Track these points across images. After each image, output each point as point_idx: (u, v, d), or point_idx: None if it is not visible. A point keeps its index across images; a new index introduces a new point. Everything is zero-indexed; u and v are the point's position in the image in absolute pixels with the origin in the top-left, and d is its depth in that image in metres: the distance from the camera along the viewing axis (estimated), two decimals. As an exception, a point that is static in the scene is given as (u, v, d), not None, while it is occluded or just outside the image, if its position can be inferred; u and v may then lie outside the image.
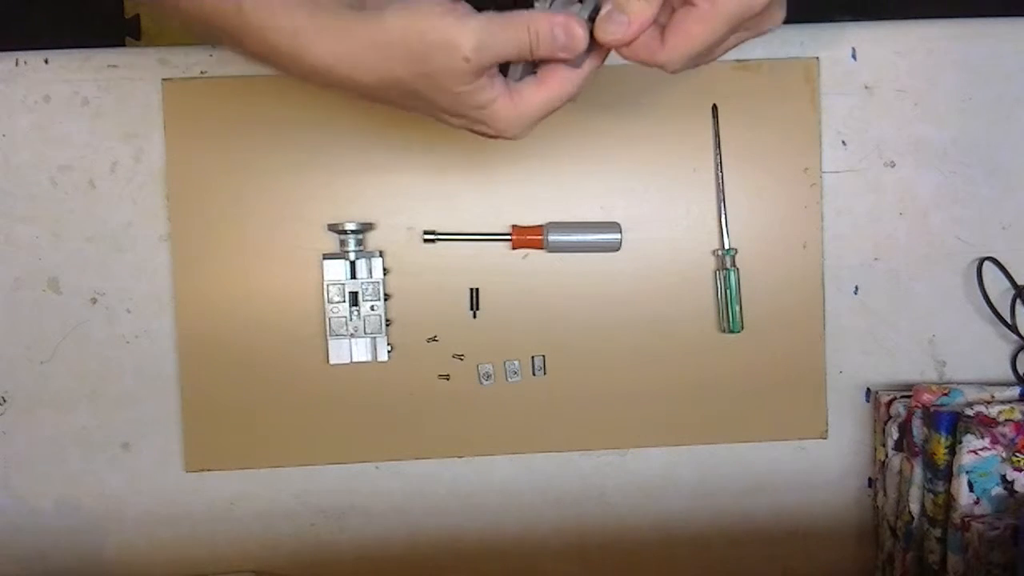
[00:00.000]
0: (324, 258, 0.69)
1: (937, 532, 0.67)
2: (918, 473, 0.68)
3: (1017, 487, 0.65)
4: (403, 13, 0.42)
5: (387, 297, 0.70)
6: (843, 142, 0.72)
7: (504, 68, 0.46)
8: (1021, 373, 0.73)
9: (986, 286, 0.71)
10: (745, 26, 0.46)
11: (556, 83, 0.46)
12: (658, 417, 0.72)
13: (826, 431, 0.73)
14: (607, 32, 0.44)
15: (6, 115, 0.69)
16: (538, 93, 0.46)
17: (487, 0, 0.46)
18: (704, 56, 0.47)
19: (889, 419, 0.70)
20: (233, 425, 0.70)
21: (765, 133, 0.71)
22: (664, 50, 0.45)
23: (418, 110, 0.47)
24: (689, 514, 0.74)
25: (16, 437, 0.71)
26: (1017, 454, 0.65)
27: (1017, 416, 0.65)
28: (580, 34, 0.44)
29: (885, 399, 0.71)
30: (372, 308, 0.69)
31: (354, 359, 0.69)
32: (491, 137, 0.47)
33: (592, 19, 0.45)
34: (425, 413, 0.71)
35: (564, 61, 0.45)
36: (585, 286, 0.71)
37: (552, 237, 0.69)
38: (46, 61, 0.69)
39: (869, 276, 0.73)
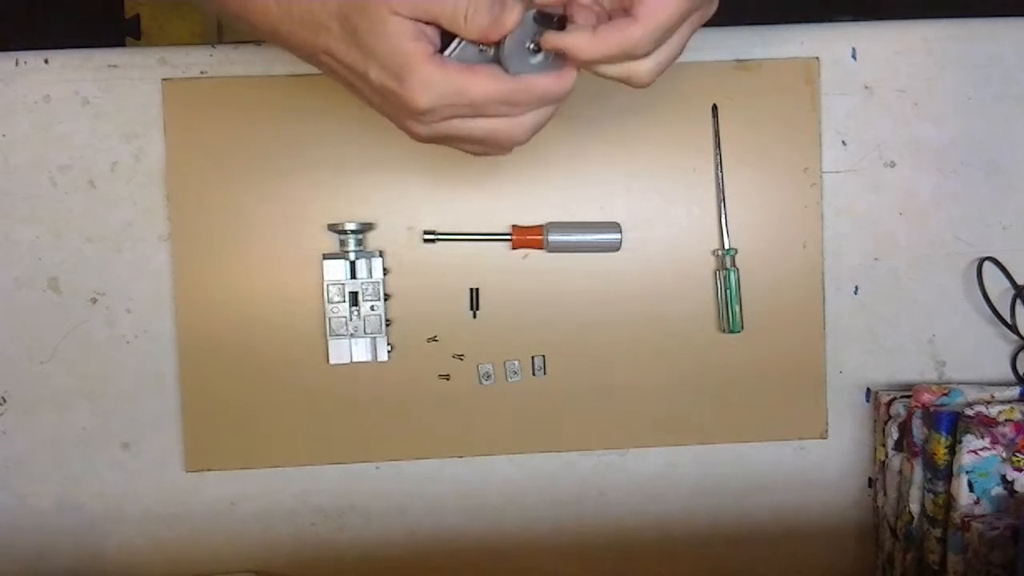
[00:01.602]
0: (324, 258, 0.69)
1: (937, 532, 0.67)
2: (918, 473, 0.68)
3: (1017, 487, 0.65)
4: None
5: (387, 297, 0.70)
6: (843, 142, 0.72)
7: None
8: (1021, 373, 0.73)
9: (986, 286, 0.71)
10: (699, 5, 0.45)
11: (482, 74, 0.43)
12: (658, 417, 0.72)
13: (826, 431, 0.73)
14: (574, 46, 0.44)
15: (6, 115, 0.69)
16: (461, 73, 0.43)
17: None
18: (668, 46, 0.45)
19: (889, 419, 0.70)
20: (233, 425, 0.70)
21: (765, 133, 0.71)
22: (635, 24, 0.43)
23: (339, 72, 0.45)
24: (689, 514, 0.74)
25: (16, 437, 0.71)
26: (1017, 454, 0.65)
27: (1017, 416, 0.65)
28: (509, 20, 0.43)
29: (885, 399, 0.71)
30: (372, 308, 0.69)
31: (354, 359, 0.69)
32: (402, 118, 0.44)
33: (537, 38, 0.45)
34: (425, 413, 0.71)
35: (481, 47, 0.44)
36: (585, 286, 0.71)
37: (552, 237, 0.69)
38: (46, 61, 0.69)
39: (869, 276, 0.73)
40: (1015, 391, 0.69)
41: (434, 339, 0.71)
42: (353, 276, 0.69)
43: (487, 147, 0.47)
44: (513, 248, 0.70)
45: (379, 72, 0.43)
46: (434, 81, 0.42)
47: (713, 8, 0.48)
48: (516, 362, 0.71)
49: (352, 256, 0.69)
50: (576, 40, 0.44)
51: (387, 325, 0.70)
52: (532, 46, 0.45)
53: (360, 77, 0.44)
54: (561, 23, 0.44)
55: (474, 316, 0.71)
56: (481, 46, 0.44)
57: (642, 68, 0.46)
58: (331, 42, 0.44)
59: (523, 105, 0.44)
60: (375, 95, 0.45)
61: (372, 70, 0.43)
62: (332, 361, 0.69)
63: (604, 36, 0.44)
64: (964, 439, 0.64)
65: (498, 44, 0.44)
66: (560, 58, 0.45)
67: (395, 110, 0.45)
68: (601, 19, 0.45)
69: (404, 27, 0.42)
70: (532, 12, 0.44)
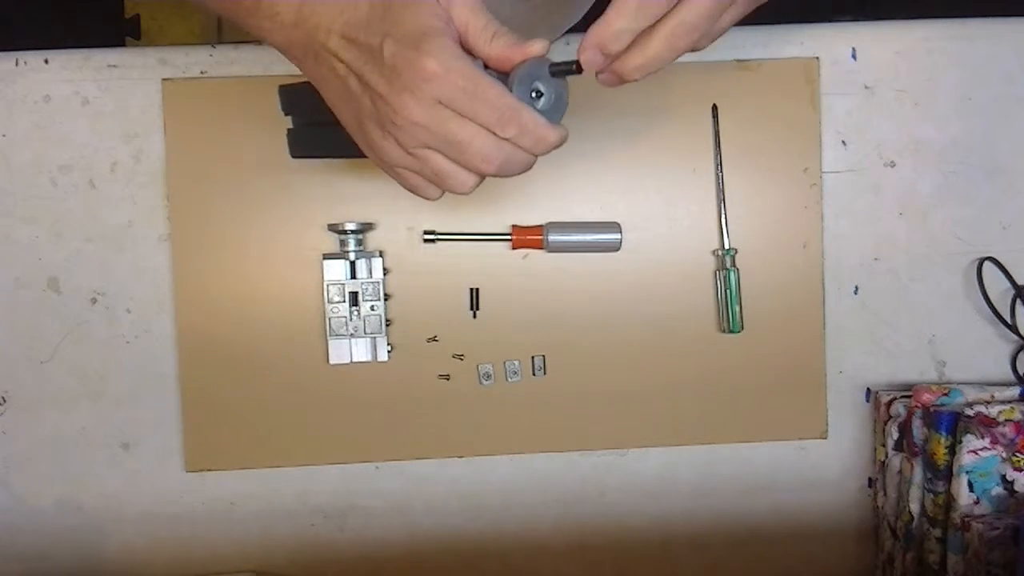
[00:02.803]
0: (324, 258, 0.69)
1: (937, 532, 0.67)
2: (918, 473, 0.68)
3: (1017, 487, 0.65)
4: None
5: (387, 297, 0.70)
6: (843, 142, 0.72)
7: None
8: (1021, 373, 0.73)
9: (986, 286, 0.71)
10: None
11: (490, 80, 0.44)
12: (658, 417, 0.72)
13: (826, 431, 0.73)
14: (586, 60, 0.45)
15: (6, 115, 0.69)
16: (474, 66, 0.44)
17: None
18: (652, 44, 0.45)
19: (889, 419, 0.70)
20: (233, 425, 0.70)
21: (765, 133, 0.71)
22: (604, 17, 0.44)
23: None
24: (689, 514, 0.74)
25: (16, 437, 0.71)
26: (1017, 454, 0.65)
27: (1017, 416, 0.65)
28: (533, 48, 0.44)
29: (885, 399, 0.71)
30: (372, 308, 0.69)
31: (354, 359, 0.69)
32: (399, 98, 0.44)
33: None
34: (425, 413, 0.71)
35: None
36: (585, 286, 0.71)
37: (552, 237, 0.69)
38: (46, 61, 0.69)
39: (869, 276, 0.73)
40: (1015, 391, 0.69)
41: (434, 339, 0.71)
42: (353, 276, 0.69)
43: (450, 173, 0.46)
44: (513, 248, 0.70)
45: (395, 45, 0.43)
46: (450, 52, 0.42)
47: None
48: (516, 362, 0.71)
49: (352, 256, 0.69)
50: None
51: (387, 325, 0.70)
52: (533, 93, 0.46)
53: (369, 58, 0.44)
54: (578, 68, 0.45)
55: (474, 316, 0.71)
56: (491, 72, 0.45)
57: (628, 67, 0.46)
58: (353, 18, 0.44)
59: (510, 127, 0.44)
60: (376, 82, 0.44)
61: (388, 44, 0.43)
62: (332, 361, 0.69)
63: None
64: (964, 439, 0.65)
65: (507, 76, 0.45)
66: (557, 113, 0.47)
67: (393, 91, 0.43)
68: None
69: (437, 10, 0.43)
70: (548, 64, 0.46)
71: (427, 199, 0.49)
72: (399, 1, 0.43)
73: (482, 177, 0.47)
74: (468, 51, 0.45)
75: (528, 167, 0.47)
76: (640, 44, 0.45)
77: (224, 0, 0.46)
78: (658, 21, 0.44)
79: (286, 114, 0.57)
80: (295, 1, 0.45)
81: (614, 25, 0.43)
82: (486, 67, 0.46)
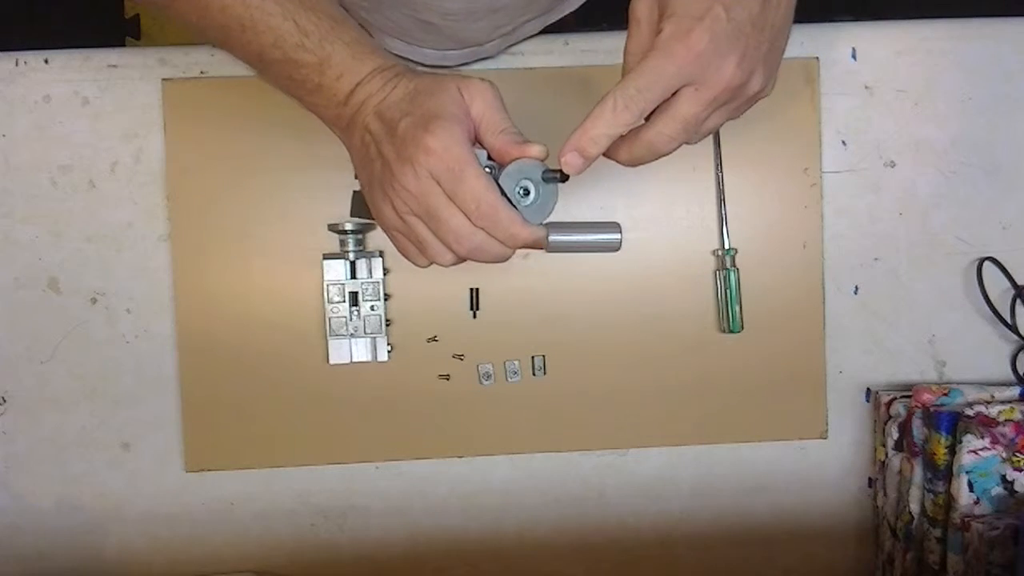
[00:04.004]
0: (324, 258, 0.69)
1: (937, 532, 0.67)
2: (918, 473, 0.68)
3: (1017, 487, 0.65)
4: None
5: (387, 297, 0.70)
6: (843, 142, 0.72)
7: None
8: (1021, 373, 0.73)
9: (986, 286, 0.71)
10: (691, 76, 0.46)
11: (481, 173, 0.47)
12: (658, 417, 0.72)
13: (826, 431, 0.73)
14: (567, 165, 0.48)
15: (6, 115, 0.69)
16: (471, 157, 0.47)
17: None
18: (692, 130, 0.48)
19: (889, 419, 0.70)
20: (233, 425, 0.70)
21: (765, 133, 0.71)
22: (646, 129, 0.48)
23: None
24: (689, 514, 0.74)
25: (16, 437, 0.71)
26: (1017, 454, 0.65)
27: (1017, 416, 0.65)
28: (532, 150, 0.49)
29: (885, 399, 0.71)
30: (372, 308, 0.69)
31: (354, 359, 0.69)
32: (399, 166, 0.48)
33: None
34: (425, 413, 0.71)
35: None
36: (585, 286, 0.71)
37: (552, 237, 0.68)
38: (46, 61, 0.69)
39: (869, 276, 0.73)
40: (1015, 391, 0.69)
41: (434, 339, 0.71)
42: (353, 276, 0.69)
43: (430, 244, 0.50)
44: (513, 248, 0.70)
45: (410, 121, 0.47)
46: (452, 137, 0.47)
47: (723, 75, 0.47)
48: (516, 362, 0.71)
49: (352, 256, 0.69)
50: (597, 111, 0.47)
51: (387, 325, 0.70)
52: (521, 190, 0.50)
53: (388, 130, 0.49)
54: (563, 177, 0.49)
55: (474, 316, 0.71)
56: (492, 164, 0.50)
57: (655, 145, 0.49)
58: (388, 99, 0.49)
59: (484, 219, 0.48)
60: (387, 150, 0.49)
61: (405, 120, 0.48)
62: (332, 361, 0.69)
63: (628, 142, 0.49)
64: (964, 439, 0.64)
65: (502, 169, 0.49)
66: (540, 213, 0.51)
67: (397, 159, 0.48)
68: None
69: (458, 100, 0.48)
70: (543, 168, 0.50)
71: (416, 265, 0.53)
72: (428, 88, 0.48)
73: (458, 257, 0.51)
74: (479, 141, 0.50)
75: (503, 259, 0.51)
76: (628, 142, 0.49)
77: (289, 80, 0.51)
78: (641, 127, 0.48)
79: (352, 216, 0.68)
80: (350, 86, 0.49)
81: (590, 132, 0.47)
82: (489, 157, 0.50)
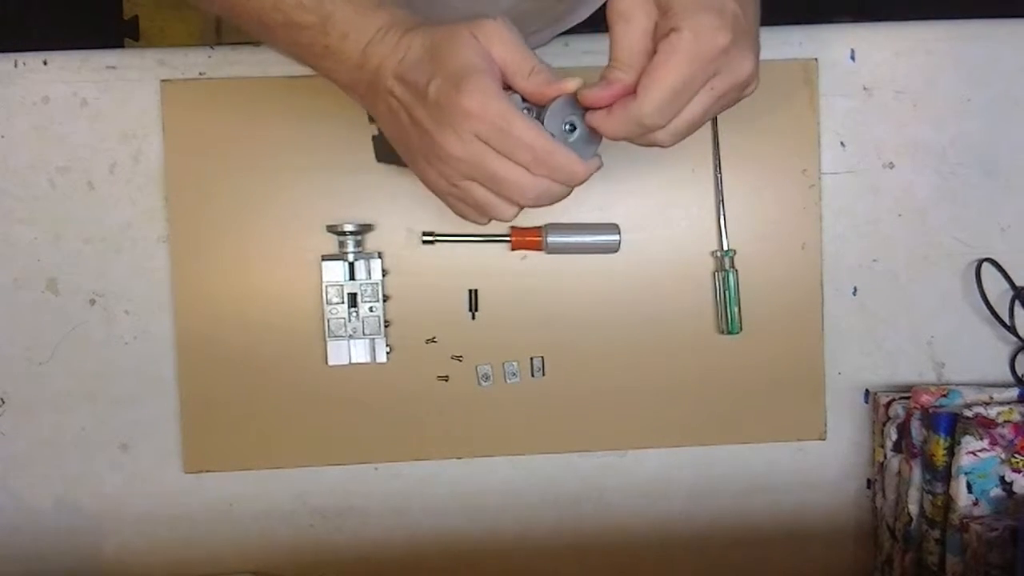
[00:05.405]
0: (323, 259, 0.69)
1: (936, 533, 0.67)
2: (917, 474, 0.68)
3: (1016, 488, 0.65)
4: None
5: (386, 298, 0.70)
6: (842, 143, 0.72)
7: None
8: (1020, 374, 0.73)
9: (985, 287, 0.71)
10: (716, 70, 0.46)
11: (526, 119, 0.46)
12: (657, 418, 0.72)
13: (825, 432, 0.73)
14: (590, 96, 0.47)
15: (5, 116, 0.69)
16: (511, 106, 0.46)
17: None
18: (685, 113, 0.47)
19: (888, 420, 0.70)
20: (232, 426, 0.70)
21: (764, 134, 0.71)
22: (637, 101, 0.46)
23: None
24: (688, 515, 0.74)
25: (16, 437, 0.71)
26: (1016, 455, 0.65)
27: (1016, 417, 0.65)
28: (567, 85, 0.47)
29: (884, 400, 0.71)
30: (371, 309, 0.69)
31: (353, 360, 0.69)
32: (440, 134, 0.46)
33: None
34: (424, 414, 0.71)
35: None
36: (584, 287, 0.71)
37: (551, 238, 0.69)
38: (45, 62, 0.69)
39: (868, 277, 0.73)
40: (1014, 392, 0.69)
41: (433, 340, 0.71)
42: (352, 277, 0.69)
43: (491, 203, 0.49)
44: (512, 249, 0.70)
45: (439, 83, 0.46)
46: (489, 92, 0.45)
47: (743, 71, 0.47)
48: (515, 363, 0.71)
49: (351, 257, 0.69)
50: (592, 119, 0.47)
51: (386, 326, 0.70)
52: (567, 126, 0.48)
53: (417, 95, 0.47)
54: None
55: (473, 317, 0.71)
56: (528, 105, 0.48)
57: (659, 137, 0.48)
58: (406, 59, 0.47)
59: (543, 166, 0.47)
60: (422, 117, 0.47)
61: (433, 83, 0.46)
62: (331, 362, 0.69)
63: (615, 115, 0.47)
64: (963, 440, 0.65)
65: (541, 110, 0.48)
66: (591, 145, 0.49)
67: (437, 126, 0.46)
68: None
69: (479, 49, 0.46)
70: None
71: (476, 223, 0.52)
72: (445, 42, 0.46)
73: (521, 206, 0.49)
74: (508, 85, 0.48)
75: (564, 196, 0.49)
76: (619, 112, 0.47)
77: (296, 45, 0.50)
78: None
79: (379, 161, 0.68)
80: (359, 46, 0.48)
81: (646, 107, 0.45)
82: (523, 100, 0.48)
